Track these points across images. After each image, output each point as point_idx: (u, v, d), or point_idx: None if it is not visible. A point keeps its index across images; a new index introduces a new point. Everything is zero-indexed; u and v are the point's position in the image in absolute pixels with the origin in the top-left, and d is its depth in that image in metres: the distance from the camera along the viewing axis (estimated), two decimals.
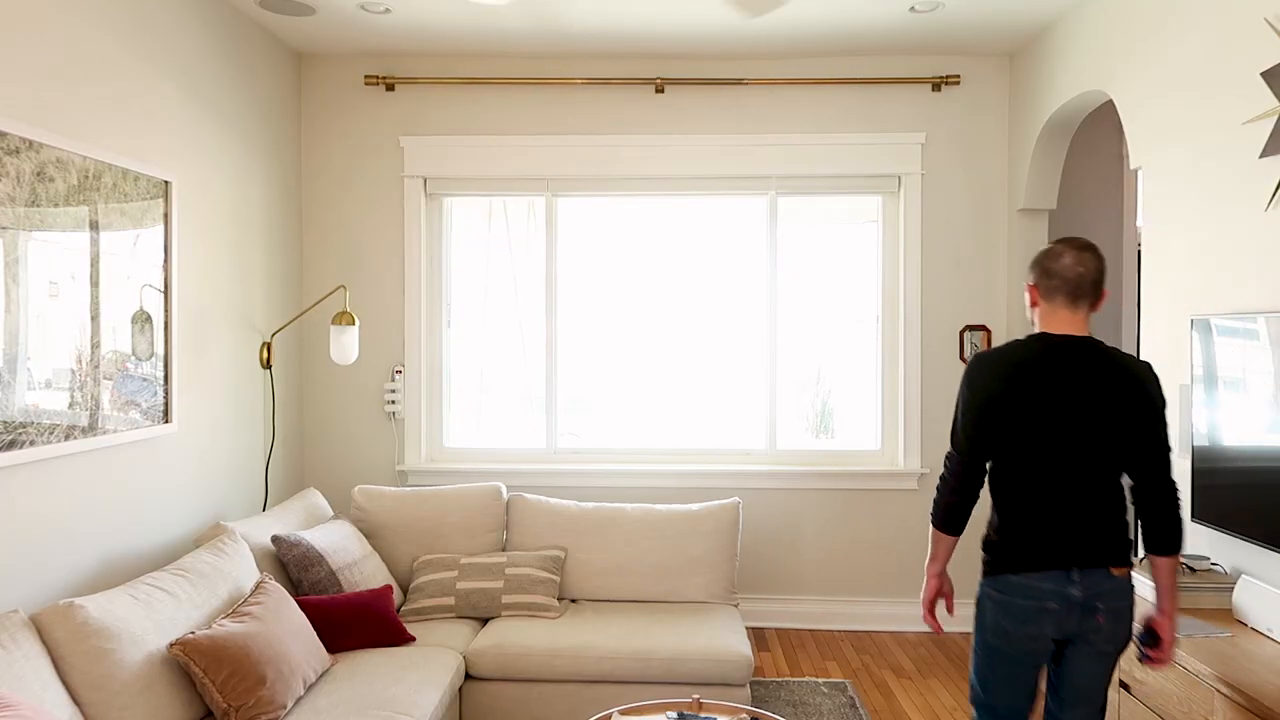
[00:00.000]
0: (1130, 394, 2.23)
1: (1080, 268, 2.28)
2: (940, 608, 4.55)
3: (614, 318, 4.83)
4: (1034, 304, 2.38)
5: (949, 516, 2.36)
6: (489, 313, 4.85)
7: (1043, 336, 2.31)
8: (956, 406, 2.37)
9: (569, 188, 4.74)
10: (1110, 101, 4.45)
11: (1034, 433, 2.24)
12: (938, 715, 3.65)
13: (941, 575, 2.45)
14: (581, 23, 4.16)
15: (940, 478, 2.38)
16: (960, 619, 4.66)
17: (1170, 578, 2.26)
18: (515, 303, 4.84)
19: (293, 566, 3.35)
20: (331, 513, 4.00)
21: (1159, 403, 2.25)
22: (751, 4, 2.90)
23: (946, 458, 2.38)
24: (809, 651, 4.38)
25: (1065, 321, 2.31)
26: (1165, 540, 2.25)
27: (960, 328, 4.69)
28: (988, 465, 2.33)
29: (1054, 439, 2.23)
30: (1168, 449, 2.26)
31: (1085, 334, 2.31)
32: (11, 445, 2.61)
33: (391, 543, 3.91)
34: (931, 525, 2.41)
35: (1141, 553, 2.37)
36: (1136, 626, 2.34)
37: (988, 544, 2.31)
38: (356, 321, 4.25)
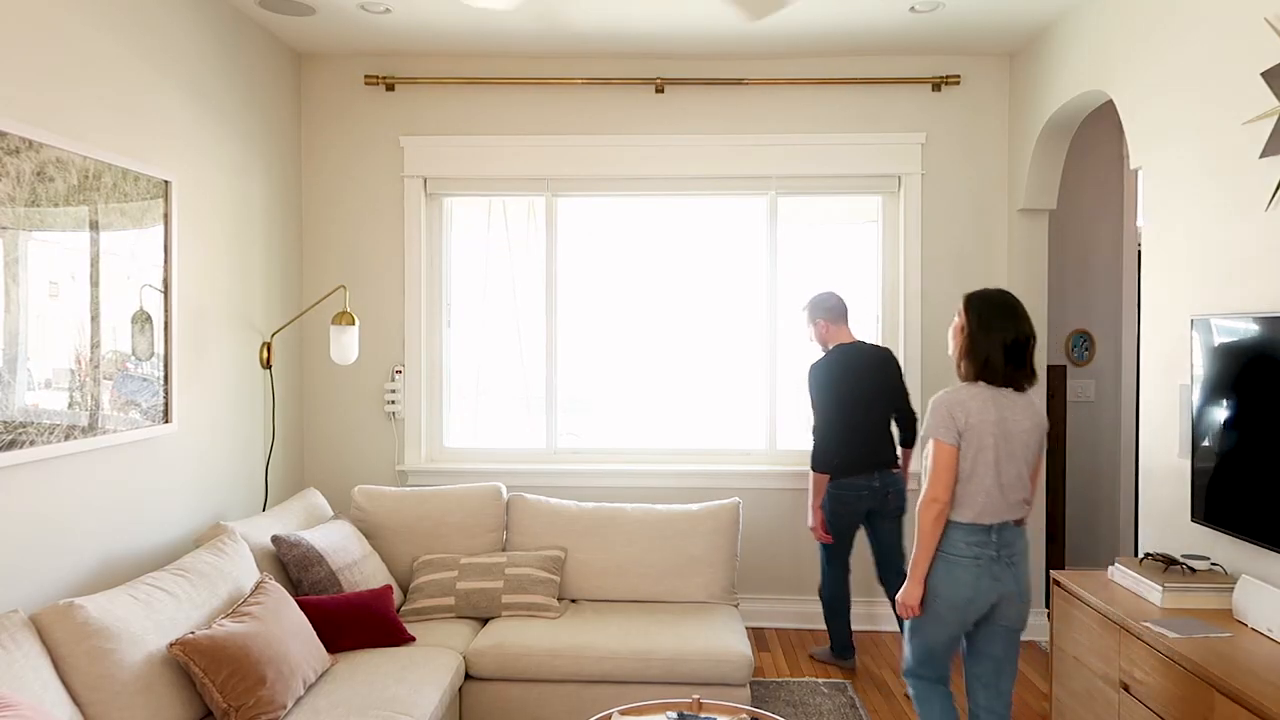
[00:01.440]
0: (887, 368, 4.05)
1: (843, 304, 4.10)
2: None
3: (614, 318, 4.83)
4: (827, 330, 4.09)
5: (825, 461, 3.98)
6: (489, 313, 4.85)
7: (842, 346, 4.05)
8: (810, 394, 4.03)
9: (569, 188, 4.74)
10: (1110, 101, 4.46)
11: (851, 399, 3.96)
12: None
13: (820, 508, 4.04)
14: (581, 23, 4.17)
15: (814, 442, 4.01)
16: None
17: (907, 456, 4.16)
18: (515, 303, 4.84)
19: (293, 566, 3.35)
20: (331, 513, 4.00)
21: (898, 369, 4.09)
22: (754, 6, 2.90)
23: (813, 429, 4.02)
24: (809, 651, 4.37)
25: (848, 335, 4.10)
26: (909, 440, 4.12)
27: None
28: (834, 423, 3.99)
29: (861, 401, 3.97)
30: (907, 394, 4.10)
31: (856, 340, 4.08)
32: (11, 445, 2.61)
33: (391, 543, 3.91)
34: (813, 472, 4.01)
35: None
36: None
37: (831, 465, 3.96)
38: (356, 321, 4.25)
